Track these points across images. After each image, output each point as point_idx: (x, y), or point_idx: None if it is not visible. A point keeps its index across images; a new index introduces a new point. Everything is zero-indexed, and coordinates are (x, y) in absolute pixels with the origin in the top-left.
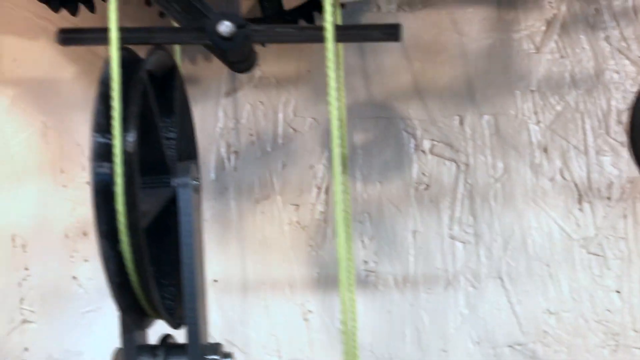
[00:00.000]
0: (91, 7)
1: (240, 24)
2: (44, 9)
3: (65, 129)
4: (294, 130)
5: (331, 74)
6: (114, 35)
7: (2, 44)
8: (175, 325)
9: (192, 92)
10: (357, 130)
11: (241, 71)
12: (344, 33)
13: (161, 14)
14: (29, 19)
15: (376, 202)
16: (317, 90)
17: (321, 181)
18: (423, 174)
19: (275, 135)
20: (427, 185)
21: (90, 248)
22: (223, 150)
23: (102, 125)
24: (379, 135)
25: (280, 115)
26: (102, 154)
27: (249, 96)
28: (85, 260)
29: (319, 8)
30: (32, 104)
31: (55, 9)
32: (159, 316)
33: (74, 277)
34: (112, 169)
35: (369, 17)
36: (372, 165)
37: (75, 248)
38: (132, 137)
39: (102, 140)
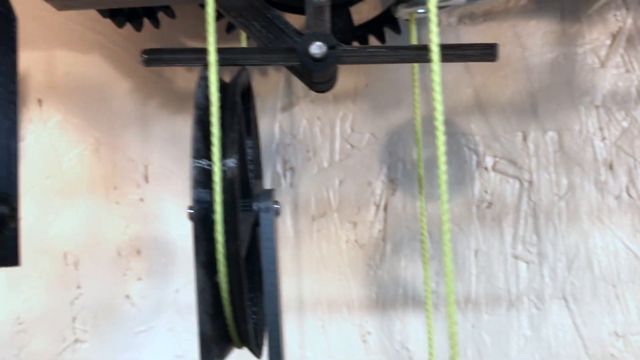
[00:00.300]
0: (156, 23)
1: (331, 45)
2: (97, 22)
3: (118, 144)
4: (352, 146)
5: (437, 97)
6: (212, 58)
7: (55, 58)
8: (259, 355)
9: None
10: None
11: (322, 91)
12: (441, 53)
13: (228, 30)
14: (82, 32)
15: (437, 221)
16: (375, 106)
17: (379, 198)
18: (485, 191)
19: (332, 151)
20: (490, 203)
21: (144, 266)
22: (279, 166)
23: (201, 151)
24: None
25: (338, 131)
26: (202, 180)
27: (306, 111)
28: (139, 279)
29: (389, 23)
30: (84, 119)
31: (120, 25)
32: (246, 346)
33: (127, 296)
34: (212, 196)
35: (424, 33)
36: (433, 183)
37: (128, 266)
38: (233, 162)
39: (201, 166)
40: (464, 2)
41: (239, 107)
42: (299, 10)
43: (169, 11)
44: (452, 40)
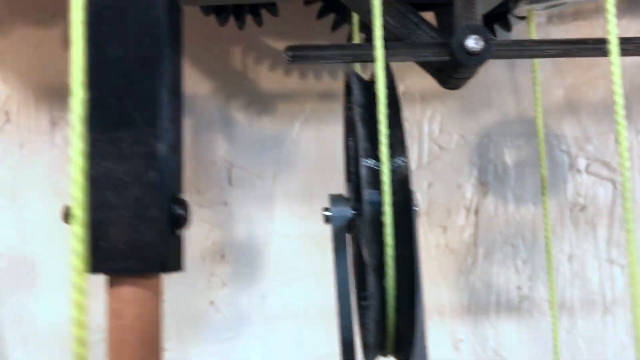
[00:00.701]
0: (259, 20)
1: (487, 39)
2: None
3: (201, 147)
4: (440, 147)
5: (617, 90)
6: (380, 53)
7: None
8: None
9: (329, 109)
10: (508, 148)
11: (455, 87)
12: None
13: (334, 27)
14: None
15: (530, 225)
16: (464, 105)
17: (470, 202)
18: (578, 194)
19: (420, 153)
20: (583, 207)
21: (228, 272)
22: None
23: (368, 150)
24: (531, 153)
25: (425, 132)
26: (372, 181)
27: None
28: (224, 285)
29: (500, 20)
30: None
31: (223, 23)
32: (397, 356)
33: (212, 302)
34: (382, 197)
35: (519, 31)
36: (524, 186)
37: (212, 272)
38: (402, 161)
39: (369, 165)
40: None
41: (401, 103)
42: (426, 7)
43: (273, 8)
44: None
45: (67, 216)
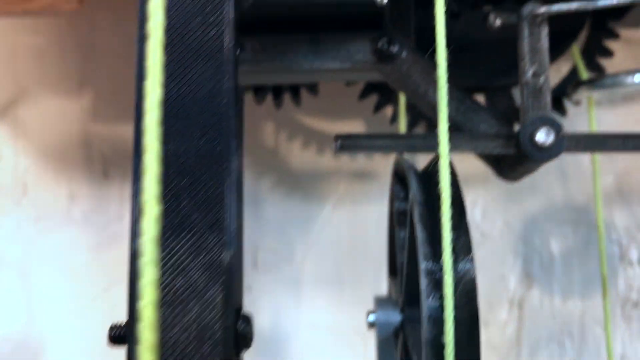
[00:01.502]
0: (298, 99)
1: (559, 130)
2: None
3: None
4: (482, 234)
5: None
6: (444, 149)
7: None
8: None
9: (363, 190)
10: (554, 236)
11: (515, 180)
12: None
13: (376, 108)
14: None
15: (578, 321)
16: (508, 190)
17: (513, 294)
18: (631, 288)
19: None
20: (636, 303)
21: None
22: None
23: (428, 255)
24: (580, 242)
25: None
26: (433, 288)
27: None
28: None
29: (554, 104)
30: None
31: (260, 101)
32: None
33: None
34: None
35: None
36: (572, 278)
37: None
38: (468, 265)
39: (433, 268)
40: None
41: (464, 203)
42: (475, 90)
43: (313, 88)
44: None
45: (116, 338)
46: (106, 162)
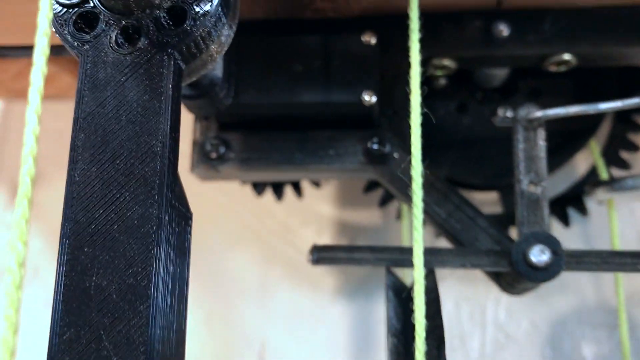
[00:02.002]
0: (298, 192)
1: (556, 250)
2: (223, 182)
3: (232, 317)
4: (507, 335)
5: None
6: (418, 273)
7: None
8: None
9: (379, 283)
10: (586, 341)
11: (518, 294)
12: None
13: (382, 202)
14: (207, 191)
15: None
16: None
17: None
18: None
19: (483, 341)
20: None
21: None
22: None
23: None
24: (614, 348)
25: (489, 316)
26: None
27: (452, 290)
28: None
29: (574, 203)
30: (198, 285)
31: (260, 192)
32: None
33: None
34: None
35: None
36: None
37: None
38: None
39: None
40: None
41: (443, 331)
42: (483, 188)
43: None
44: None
45: None
46: None
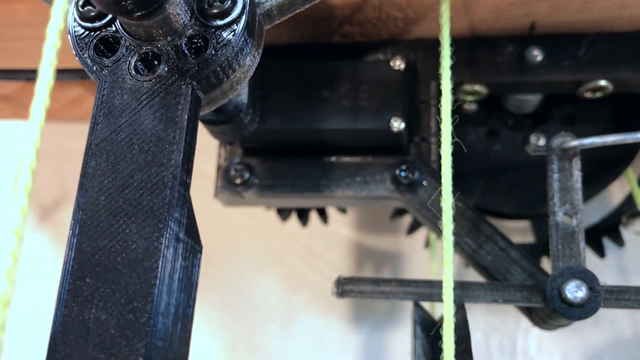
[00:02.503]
0: (324, 218)
1: (593, 286)
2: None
3: (256, 343)
4: None
5: None
6: (448, 298)
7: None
8: None
9: (403, 313)
10: None
11: (552, 329)
12: None
13: (410, 230)
14: (226, 212)
15: None
16: None
17: None
18: None
19: None
20: None
21: None
22: None
23: None
24: None
25: (519, 349)
26: None
27: (481, 321)
28: None
29: (610, 232)
30: (223, 311)
31: (285, 218)
32: None
33: None
34: None
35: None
36: None
37: None
38: None
39: None
40: None
41: (468, 345)
42: (514, 217)
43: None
44: None
45: None
46: None
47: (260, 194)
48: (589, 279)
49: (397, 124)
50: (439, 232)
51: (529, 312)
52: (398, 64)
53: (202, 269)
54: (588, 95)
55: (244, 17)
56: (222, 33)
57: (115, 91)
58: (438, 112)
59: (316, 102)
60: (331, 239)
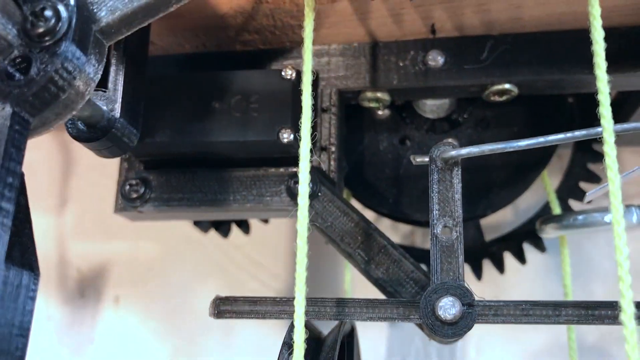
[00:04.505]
0: (246, 229)
1: (468, 302)
2: None
3: (195, 354)
4: None
5: None
6: (299, 313)
7: (138, 251)
8: None
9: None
10: None
11: (445, 343)
12: None
13: None
14: (168, 224)
15: None
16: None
17: None
18: None
19: None
20: None
21: None
22: None
23: None
24: None
25: (459, 353)
26: None
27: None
28: None
29: (530, 238)
30: (162, 322)
31: (205, 230)
32: None
33: None
34: None
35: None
36: None
37: None
38: None
39: None
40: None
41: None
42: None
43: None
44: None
45: None
46: (83, 281)
47: (157, 208)
48: (463, 295)
49: (287, 135)
50: (332, 242)
51: (421, 327)
52: (289, 73)
53: (143, 279)
54: (495, 98)
55: (70, 36)
56: (47, 53)
57: None
58: (337, 121)
59: (207, 114)
60: (273, 247)
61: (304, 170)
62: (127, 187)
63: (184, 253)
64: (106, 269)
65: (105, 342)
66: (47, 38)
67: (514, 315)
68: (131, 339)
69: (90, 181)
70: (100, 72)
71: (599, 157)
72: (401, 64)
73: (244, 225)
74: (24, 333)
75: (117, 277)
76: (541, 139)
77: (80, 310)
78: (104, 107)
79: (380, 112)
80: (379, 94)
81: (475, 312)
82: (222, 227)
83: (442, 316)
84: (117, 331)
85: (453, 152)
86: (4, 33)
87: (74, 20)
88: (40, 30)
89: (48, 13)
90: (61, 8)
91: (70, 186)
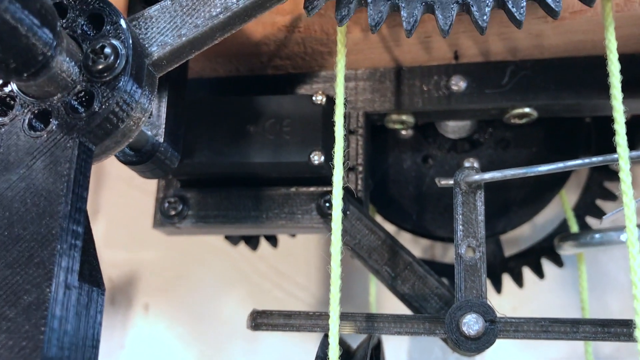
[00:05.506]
0: (274, 243)
1: (491, 318)
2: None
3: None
4: None
5: None
6: (333, 350)
7: (167, 260)
8: None
9: None
10: None
11: (468, 357)
12: None
13: None
14: None
15: None
16: None
17: None
18: None
19: None
20: None
21: None
22: None
23: None
24: None
25: None
26: None
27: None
28: None
29: (548, 254)
30: (190, 328)
31: (235, 243)
32: None
33: None
34: None
35: None
36: None
37: None
38: None
39: None
40: None
41: None
42: (450, 239)
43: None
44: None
45: None
46: (113, 289)
47: (195, 224)
48: (486, 312)
49: (318, 157)
50: (360, 259)
51: (445, 340)
52: (320, 98)
53: (171, 287)
54: (515, 121)
55: (127, 71)
56: (107, 87)
57: (11, 148)
58: (364, 142)
59: (243, 136)
60: (298, 258)
61: (337, 196)
62: (166, 204)
63: (211, 262)
64: (136, 277)
65: (135, 348)
66: (106, 74)
67: (534, 331)
68: (160, 345)
69: (120, 192)
70: (153, 102)
71: (616, 175)
72: (425, 88)
73: (272, 240)
74: (95, 344)
75: (146, 285)
76: (560, 164)
77: (111, 317)
78: (149, 133)
79: (404, 132)
80: (403, 117)
81: (497, 328)
82: (252, 241)
83: (466, 332)
84: (147, 337)
85: (476, 177)
86: (69, 72)
87: (130, 56)
88: (101, 66)
89: (107, 50)
90: (119, 45)
91: (101, 196)
